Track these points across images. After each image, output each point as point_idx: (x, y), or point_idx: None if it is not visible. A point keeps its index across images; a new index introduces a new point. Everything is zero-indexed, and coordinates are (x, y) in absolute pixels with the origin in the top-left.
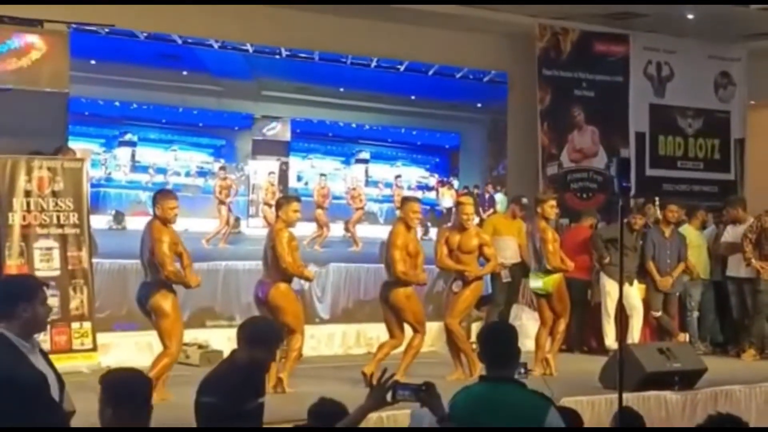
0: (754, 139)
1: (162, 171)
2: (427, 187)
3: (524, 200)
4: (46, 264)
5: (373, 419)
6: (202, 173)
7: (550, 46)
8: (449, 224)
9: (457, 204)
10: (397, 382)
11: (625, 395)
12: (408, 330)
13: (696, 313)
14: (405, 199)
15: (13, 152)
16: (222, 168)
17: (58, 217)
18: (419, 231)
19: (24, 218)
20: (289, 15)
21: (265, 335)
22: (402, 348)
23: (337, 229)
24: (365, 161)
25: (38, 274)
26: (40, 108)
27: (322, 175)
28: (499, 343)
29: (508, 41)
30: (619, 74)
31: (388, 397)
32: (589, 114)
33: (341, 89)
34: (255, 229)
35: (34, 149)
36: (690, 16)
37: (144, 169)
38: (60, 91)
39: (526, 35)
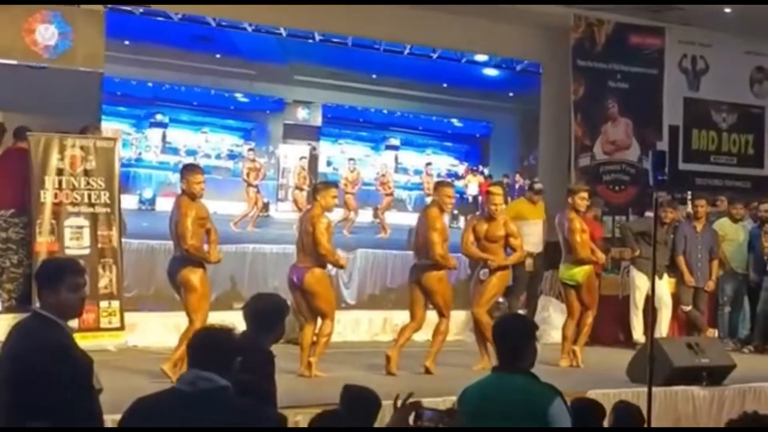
0: None
1: (192, 153)
2: (456, 176)
3: (537, 185)
4: (76, 242)
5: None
6: (232, 156)
7: (585, 38)
8: (478, 213)
9: (487, 193)
10: (420, 405)
11: (652, 390)
12: (432, 315)
13: (728, 308)
14: (439, 184)
15: (47, 130)
16: (251, 150)
17: (89, 196)
18: (447, 218)
19: (55, 196)
20: None
21: (271, 312)
22: (426, 335)
23: (365, 215)
24: (395, 148)
25: (68, 252)
26: (75, 87)
27: (351, 159)
28: (509, 335)
29: (542, 32)
30: (654, 67)
31: (411, 419)
32: (623, 106)
33: (374, 75)
34: (284, 213)
35: (67, 128)
36: (727, 10)
37: (174, 150)
38: (95, 71)
39: (560, 26)
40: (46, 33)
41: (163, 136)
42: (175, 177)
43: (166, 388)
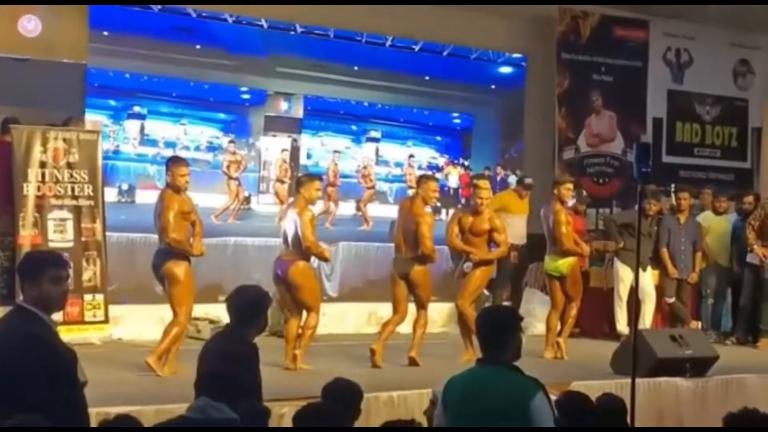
0: None
1: (171, 145)
2: (437, 168)
3: (527, 180)
4: (59, 235)
5: (383, 399)
6: (211, 148)
7: (570, 30)
8: (460, 205)
9: (474, 187)
10: None
11: (636, 381)
12: (413, 309)
13: (711, 301)
14: (424, 178)
15: (30, 123)
16: (231, 142)
17: (73, 189)
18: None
19: (39, 189)
20: None
21: (253, 305)
22: (409, 328)
23: (346, 208)
24: (376, 140)
25: (52, 245)
26: (58, 79)
27: (335, 152)
28: (493, 327)
29: (527, 24)
30: (638, 59)
31: None
32: (607, 99)
33: (356, 68)
34: (265, 205)
35: (50, 120)
36: (711, 4)
37: (153, 142)
38: (77, 63)
39: (545, 18)
40: (29, 25)
41: (141, 128)
42: (153, 169)
43: (176, 417)
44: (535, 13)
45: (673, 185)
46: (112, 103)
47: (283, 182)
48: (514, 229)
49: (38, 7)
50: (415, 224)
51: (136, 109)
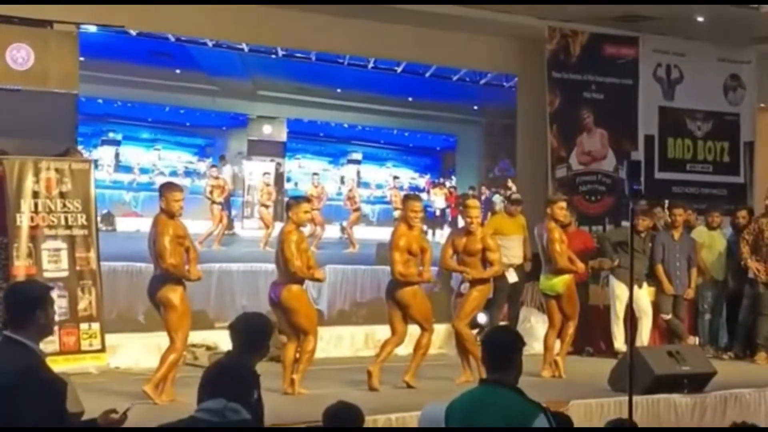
0: (763, 141)
1: (147, 171)
2: (418, 189)
3: (514, 195)
4: (54, 265)
5: (381, 422)
6: (188, 173)
7: (560, 49)
8: (446, 225)
9: (463, 206)
10: None
11: (634, 398)
12: (414, 329)
13: (708, 316)
14: (406, 198)
15: (22, 153)
16: (214, 167)
17: (66, 219)
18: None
19: (32, 219)
20: (285, 14)
21: (258, 332)
22: (409, 349)
23: (332, 231)
24: (357, 162)
25: (46, 275)
26: (49, 109)
27: (315, 174)
28: (499, 348)
29: (517, 43)
30: (629, 77)
31: None
32: (598, 117)
33: (338, 90)
34: (250, 230)
35: (43, 151)
36: (700, 19)
37: (128, 169)
38: (69, 92)
39: (535, 38)
40: (19, 55)
41: (116, 154)
42: (129, 196)
43: (188, 417)
44: (525, 32)
45: (666, 201)
46: (85, 129)
47: (267, 206)
48: (510, 250)
49: (28, 37)
50: (389, 249)
51: (111, 135)
